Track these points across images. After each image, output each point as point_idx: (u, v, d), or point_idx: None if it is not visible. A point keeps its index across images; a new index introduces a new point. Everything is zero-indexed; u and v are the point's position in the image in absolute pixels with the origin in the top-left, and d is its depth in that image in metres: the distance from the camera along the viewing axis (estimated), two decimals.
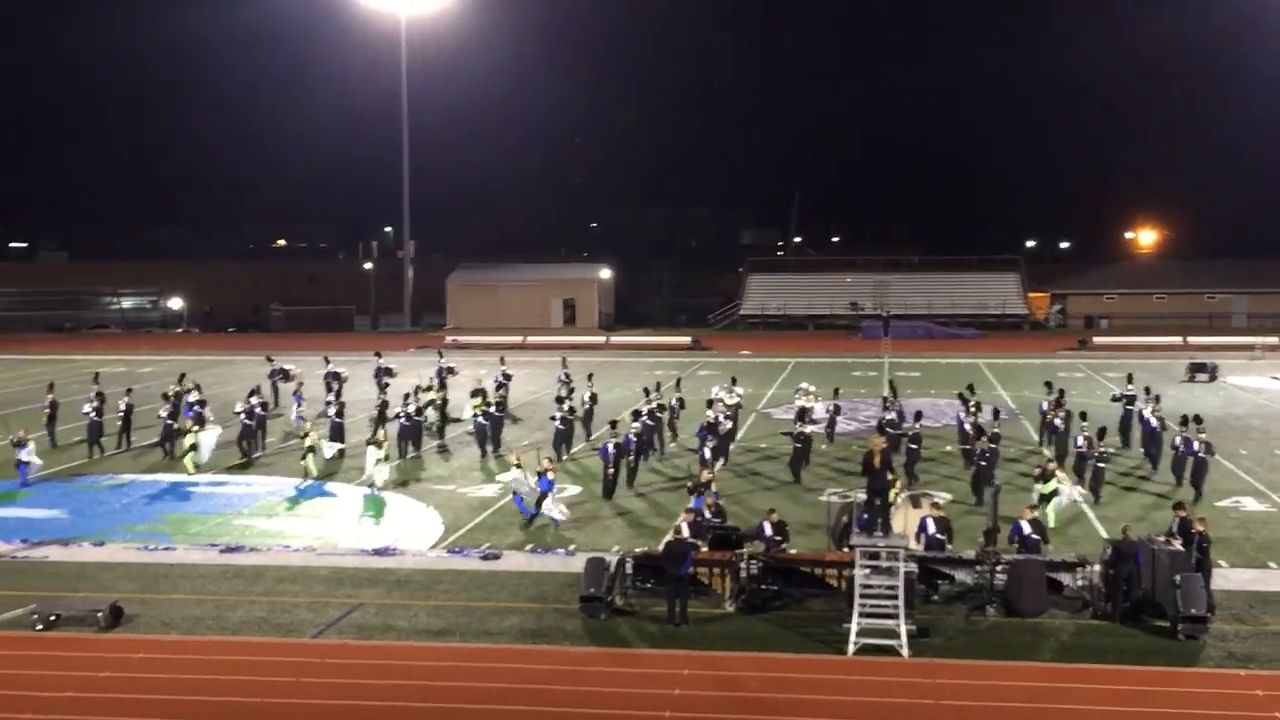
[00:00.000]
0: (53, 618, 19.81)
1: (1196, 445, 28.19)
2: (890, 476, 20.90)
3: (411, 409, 34.62)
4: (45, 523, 27.25)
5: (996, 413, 32.89)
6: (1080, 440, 29.22)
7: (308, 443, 31.80)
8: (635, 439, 30.52)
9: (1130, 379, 37.95)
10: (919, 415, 32.17)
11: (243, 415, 34.63)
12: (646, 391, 35.65)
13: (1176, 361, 57.99)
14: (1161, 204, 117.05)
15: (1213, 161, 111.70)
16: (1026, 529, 21.44)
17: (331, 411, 35.41)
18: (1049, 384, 37.96)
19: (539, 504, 26.01)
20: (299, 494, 30.34)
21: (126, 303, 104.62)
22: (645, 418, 32.54)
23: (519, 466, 27.17)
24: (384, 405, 37.47)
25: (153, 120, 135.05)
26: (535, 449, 30.77)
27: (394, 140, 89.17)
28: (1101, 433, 29.00)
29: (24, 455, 31.36)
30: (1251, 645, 18.59)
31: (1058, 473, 26.35)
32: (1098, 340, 72.82)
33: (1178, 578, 18.98)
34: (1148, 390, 35.00)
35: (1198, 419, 29.36)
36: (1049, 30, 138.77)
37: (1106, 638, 19.04)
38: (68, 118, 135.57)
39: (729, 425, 32.78)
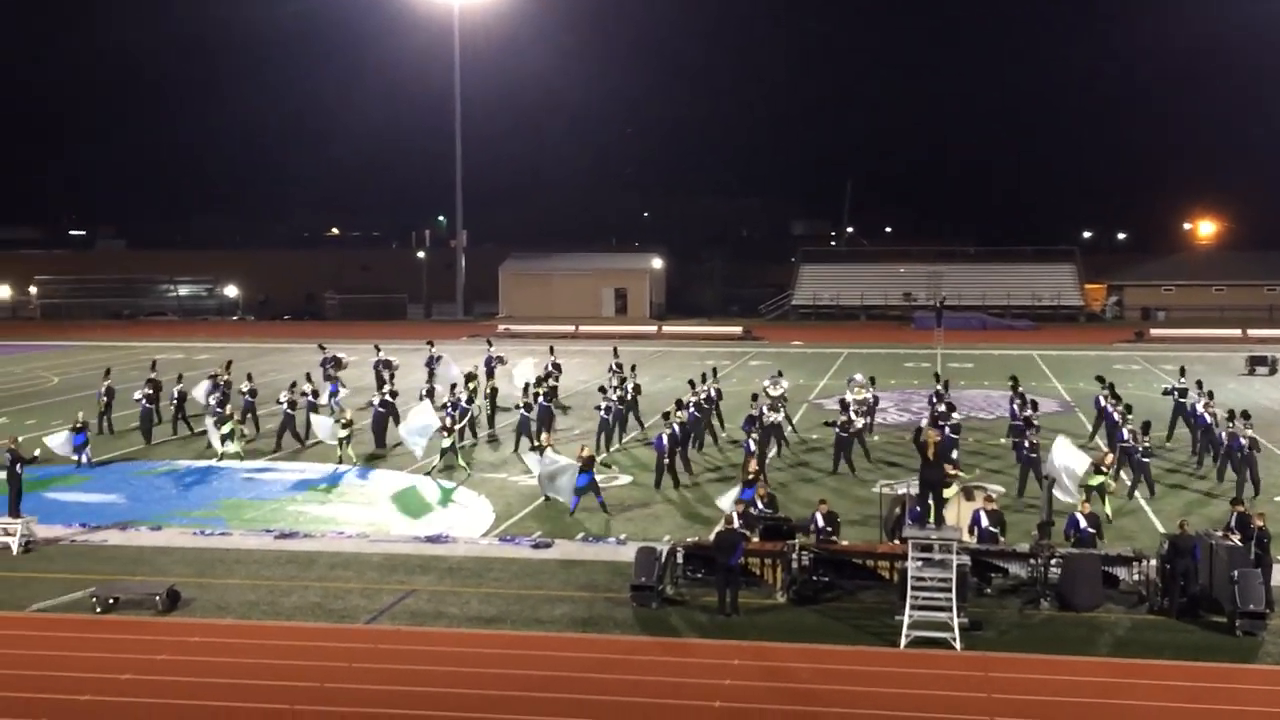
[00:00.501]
0: (111, 601, 20.09)
1: (1243, 440, 27.64)
2: (948, 469, 20.78)
3: (462, 398, 34.72)
4: (103, 507, 27.64)
5: (1035, 405, 32.61)
6: (1125, 434, 28.86)
7: (344, 431, 32.09)
8: (681, 428, 30.43)
9: (1183, 372, 37.34)
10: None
11: (285, 405, 34.83)
12: (692, 384, 35.58)
13: (1235, 355, 57.17)
14: (1221, 195, 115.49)
15: (1273, 152, 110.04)
16: (1082, 523, 21.22)
17: (376, 400, 35.40)
18: (1101, 378, 37.08)
19: (581, 493, 26.14)
20: (334, 479, 30.64)
21: (183, 290, 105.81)
22: (692, 409, 32.43)
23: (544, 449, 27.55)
24: (430, 392, 37.63)
25: (209, 110, 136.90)
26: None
27: (446, 130, 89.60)
28: (1145, 427, 28.61)
29: (74, 441, 31.80)
30: None
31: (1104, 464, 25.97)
32: (1155, 332, 71.98)
33: (1235, 573, 18.71)
34: (1200, 384, 34.46)
35: (1245, 414, 28.86)
36: (1109, 19, 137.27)
37: (1163, 633, 18.82)
38: (128, 107, 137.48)
39: (775, 417, 32.66)
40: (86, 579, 21.41)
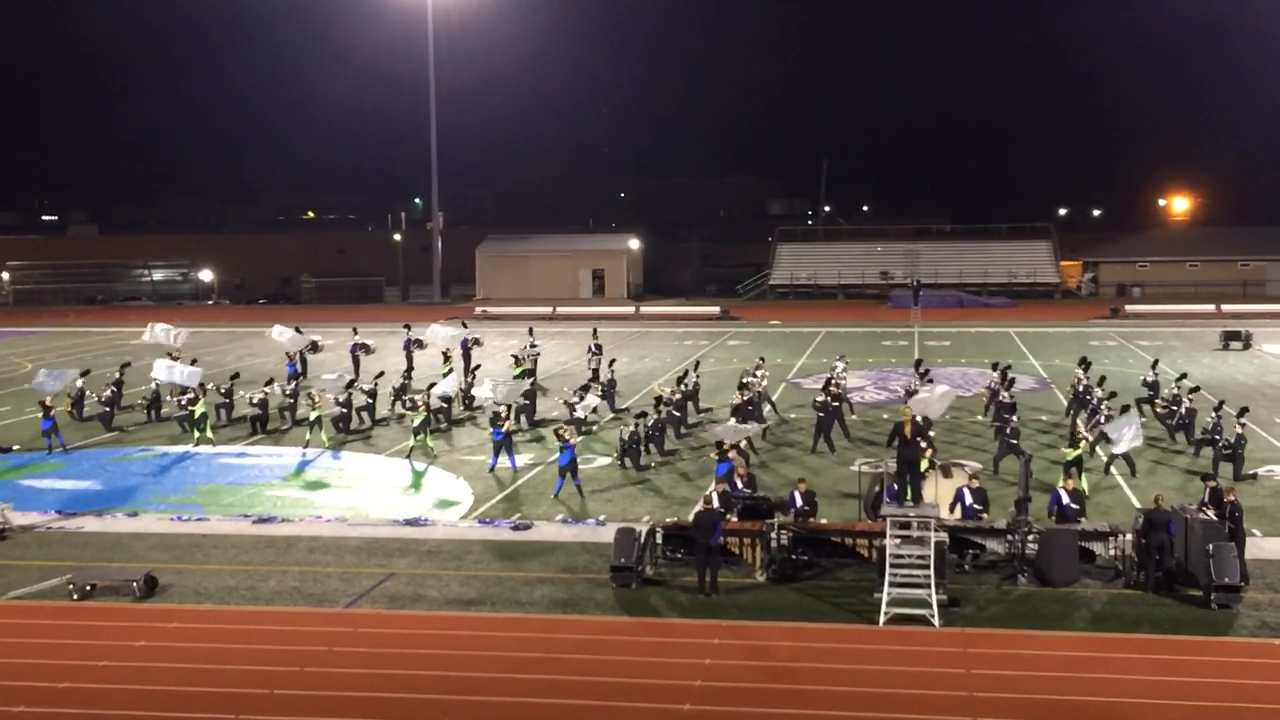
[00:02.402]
0: (88, 587, 20.02)
1: (1224, 438, 27.46)
2: (923, 446, 20.85)
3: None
4: (79, 494, 27.50)
5: (1012, 381, 32.81)
6: (1104, 414, 29.08)
7: (315, 414, 32.01)
8: (657, 422, 30.63)
9: (1156, 365, 37.35)
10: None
11: (257, 400, 34.75)
12: (680, 381, 35.62)
13: (1210, 330, 57.49)
14: (1195, 171, 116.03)
15: (1246, 128, 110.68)
16: (1065, 499, 21.32)
17: (349, 392, 35.12)
18: (1084, 359, 36.75)
19: (564, 472, 26.26)
20: (303, 464, 30.55)
21: (157, 275, 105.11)
22: (672, 408, 32.39)
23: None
24: (408, 375, 37.53)
25: (182, 93, 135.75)
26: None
27: (421, 112, 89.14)
28: (1123, 410, 28.65)
29: (43, 425, 31.73)
30: None
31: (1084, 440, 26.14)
32: (1130, 309, 72.27)
33: (1210, 547, 18.87)
34: (1184, 376, 34.45)
35: (1244, 410, 28.86)
36: None
37: (1139, 607, 18.95)
38: (98, 91, 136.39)
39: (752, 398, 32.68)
40: (63, 566, 21.34)
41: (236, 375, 38.73)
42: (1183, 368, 39.53)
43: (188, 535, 23.85)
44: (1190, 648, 17.33)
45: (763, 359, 40.15)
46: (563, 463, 26.34)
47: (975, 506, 21.55)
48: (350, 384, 35.25)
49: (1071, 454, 25.41)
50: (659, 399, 32.16)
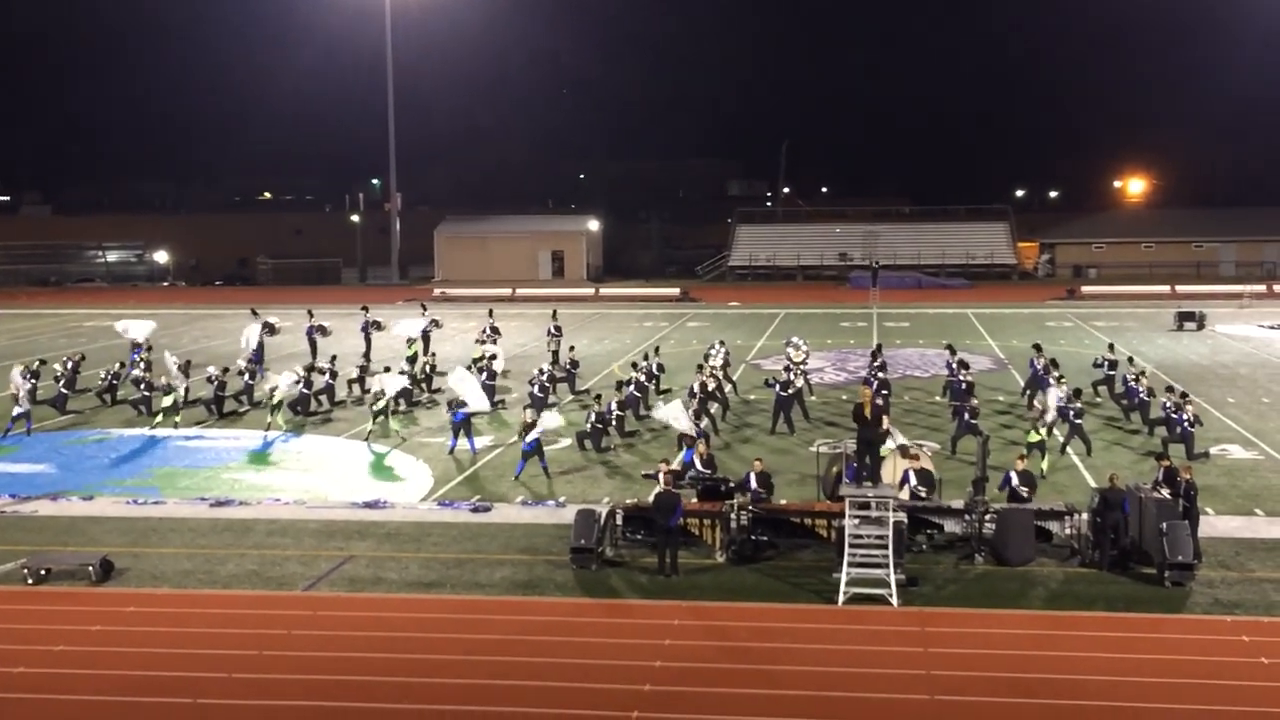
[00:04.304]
0: (43, 572, 19.82)
1: (1186, 416, 27.76)
2: (883, 428, 20.93)
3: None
4: (33, 477, 27.20)
5: (966, 365, 33.13)
6: (1060, 395, 29.26)
7: (276, 396, 31.79)
8: (619, 405, 30.59)
9: (1112, 348, 37.69)
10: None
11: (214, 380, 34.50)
12: (635, 365, 35.57)
13: (1165, 310, 58.07)
14: (1150, 153, 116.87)
15: (1200, 111, 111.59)
16: (1015, 480, 21.47)
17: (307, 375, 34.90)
18: (1038, 346, 36.95)
19: (528, 456, 26.20)
20: (265, 446, 30.39)
21: (112, 256, 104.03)
22: (633, 387, 32.43)
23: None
24: (366, 357, 37.36)
25: (136, 71, 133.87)
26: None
27: (380, 92, 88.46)
28: (1077, 393, 28.84)
29: None
30: (1237, 592, 18.72)
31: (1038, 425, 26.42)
32: (1086, 290, 72.88)
33: (1164, 525, 19.09)
34: (1132, 360, 34.72)
35: (1184, 395, 29.11)
36: None
37: (1094, 585, 19.16)
38: (52, 70, 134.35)
39: (713, 385, 32.71)
40: (17, 550, 21.12)
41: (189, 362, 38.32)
42: (1138, 349, 39.99)
43: (144, 518, 23.65)
44: (1144, 625, 17.53)
45: (723, 342, 39.87)
46: (527, 449, 26.28)
47: (918, 488, 21.58)
48: (310, 367, 35.05)
49: (1035, 437, 25.65)
50: (620, 382, 32.15)
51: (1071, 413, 27.83)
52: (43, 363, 37.65)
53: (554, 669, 16.07)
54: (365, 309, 45.55)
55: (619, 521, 21.28)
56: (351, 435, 31.19)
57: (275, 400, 31.77)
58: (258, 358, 39.10)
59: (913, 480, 21.63)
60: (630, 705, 14.91)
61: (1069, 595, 18.76)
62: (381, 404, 30.64)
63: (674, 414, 26.20)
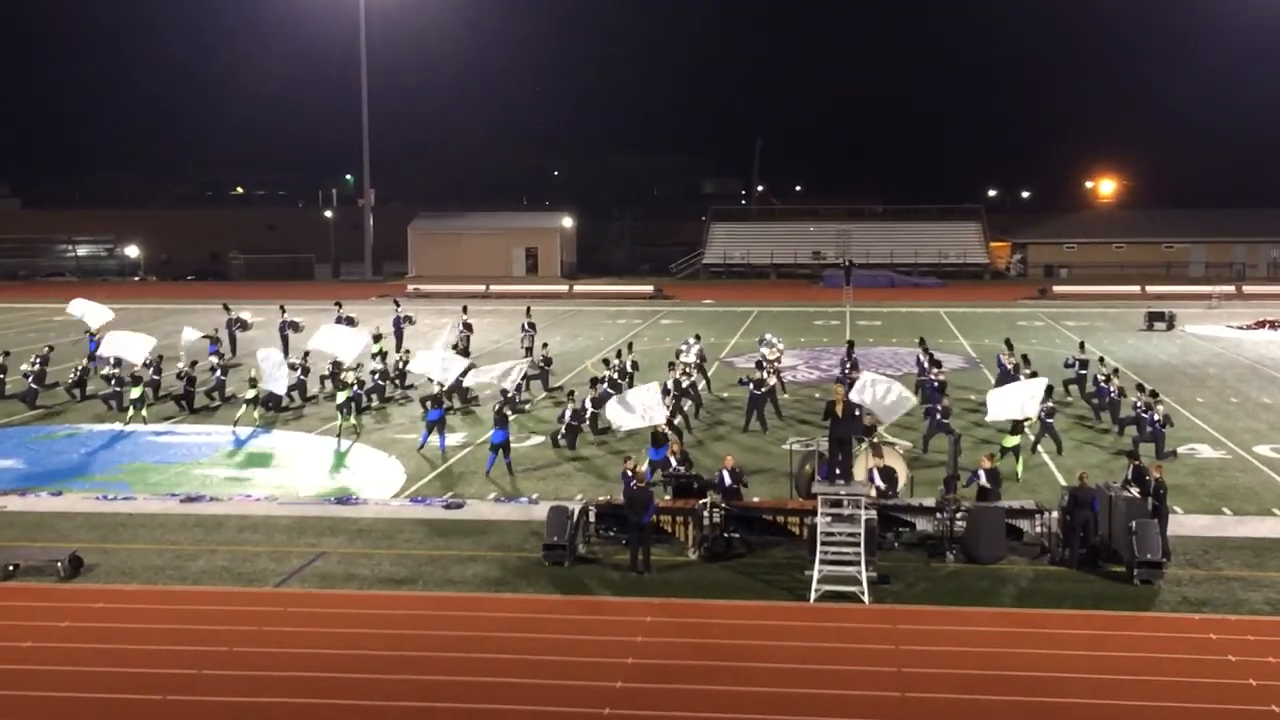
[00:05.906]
0: (11, 568, 19.67)
1: (1156, 416, 27.88)
2: (866, 424, 20.99)
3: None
4: (1, 472, 26.97)
5: (939, 363, 33.24)
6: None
7: (250, 392, 31.67)
8: (593, 402, 30.60)
9: (1083, 346, 37.90)
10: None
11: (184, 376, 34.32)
12: (606, 362, 35.56)
13: (1135, 310, 58.44)
14: (1121, 154, 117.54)
15: (1172, 112, 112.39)
16: (983, 478, 21.54)
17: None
18: (1008, 341, 37.12)
19: (496, 450, 26.24)
20: (239, 443, 30.26)
21: (82, 250, 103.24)
22: (605, 385, 32.44)
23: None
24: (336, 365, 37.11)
25: (107, 63, 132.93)
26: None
27: (353, 88, 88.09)
28: (1049, 391, 28.92)
29: None
30: (1205, 590, 18.87)
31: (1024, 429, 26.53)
32: (1057, 289, 73.28)
33: (1133, 524, 19.23)
34: (1103, 360, 34.86)
35: (1154, 394, 29.27)
36: None
37: (1064, 583, 19.28)
38: (21, 62, 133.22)
39: (688, 381, 32.72)
40: None
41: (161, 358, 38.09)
42: (1108, 348, 40.22)
43: (114, 514, 23.50)
44: (1113, 622, 17.65)
45: (698, 337, 39.82)
46: (496, 440, 26.29)
47: (880, 486, 21.64)
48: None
49: (1011, 441, 25.71)
50: (594, 379, 32.13)
51: (1042, 411, 27.95)
52: (7, 354, 37.34)
53: (526, 666, 16.07)
54: (339, 304, 45.41)
55: (592, 518, 21.30)
56: (323, 432, 31.06)
57: (250, 395, 31.64)
58: (215, 350, 38.68)
59: (877, 479, 21.70)
60: (602, 702, 14.92)
61: (1039, 593, 18.88)
62: (343, 398, 30.52)
63: (651, 400, 26.12)
